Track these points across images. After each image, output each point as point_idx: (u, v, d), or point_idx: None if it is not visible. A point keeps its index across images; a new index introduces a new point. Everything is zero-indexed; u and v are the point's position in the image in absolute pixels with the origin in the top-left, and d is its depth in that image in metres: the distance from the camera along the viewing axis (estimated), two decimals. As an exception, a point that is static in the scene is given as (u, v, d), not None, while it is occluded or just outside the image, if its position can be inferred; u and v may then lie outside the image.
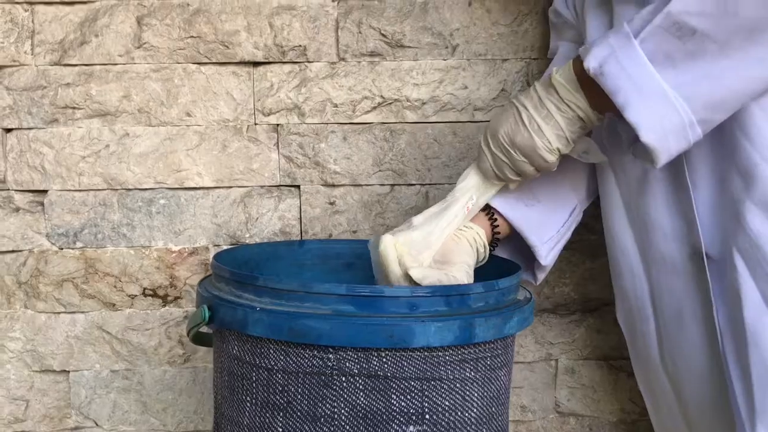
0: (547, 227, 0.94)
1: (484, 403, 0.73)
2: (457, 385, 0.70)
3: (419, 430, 0.69)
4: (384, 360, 0.67)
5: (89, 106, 1.12)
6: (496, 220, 0.91)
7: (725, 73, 0.67)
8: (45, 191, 1.13)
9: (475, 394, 0.72)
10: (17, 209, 1.13)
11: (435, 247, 0.81)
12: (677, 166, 0.82)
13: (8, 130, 1.12)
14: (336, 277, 0.98)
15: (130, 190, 1.14)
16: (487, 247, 0.89)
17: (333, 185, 1.15)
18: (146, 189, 1.14)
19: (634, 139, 0.75)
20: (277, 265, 0.95)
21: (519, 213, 0.91)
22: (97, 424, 1.17)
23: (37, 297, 1.14)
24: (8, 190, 1.13)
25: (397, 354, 0.67)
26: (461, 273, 0.80)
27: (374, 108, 1.14)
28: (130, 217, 1.14)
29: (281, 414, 0.70)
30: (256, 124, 1.14)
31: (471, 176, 0.86)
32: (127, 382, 1.16)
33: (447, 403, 0.70)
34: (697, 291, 0.83)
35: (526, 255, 0.96)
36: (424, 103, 1.14)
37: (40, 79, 1.12)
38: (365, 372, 0.67)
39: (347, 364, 0.67)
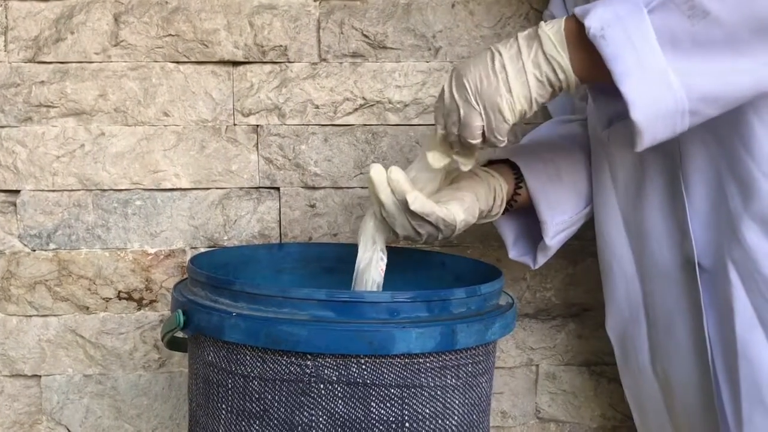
0: (562, 208, 0.92)
1: (465, 411, 0.72)
2: (438, 392, 0.69)
3: (399, 438, 0.67)
4: (363, 367, 0.66)
5: (64, 105, 1.09)
6: (521, 186, 0.89)
7: (727, 68, 0.64)
8: (17, 191, 1.10)
9: (456, 402, 0.71)
10: (-12, 209, 1.10)
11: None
12: (673, 174, 0.81)
13: (-20, 129, 1.09)
14: (316, 282, 0.97)
15: (105, 190, 1.11)
16: (503, 204, 0.87)
17: (313, 188, 1.13)
18: (122, 190, 1.11)
19: (612, 119, 0.70)
20: (255, 268, 0.93)
21: (540, 184, 0.89)
22: (69, 430, 1.14)
23: (8, 300, 1.11)
24: (-21, 189, 1.10)
25: (377, 361, 0.66)
26: (458, 208, 0.77)
27: (356, 110, 1.12)
28: (105, 218, 1.11)
29: (257, 422, 0.68)
30: (235, 124, 1.12)
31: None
32: (100, 387, 1.14)
33: (427, 410, 0.69)
34: (687, 300, 0.83)
35: (530, 235, 0.95)
36: (406, 105, 1.13)
37: (13, 76, 1.09)
38: (344, 379, 0.66)
39: (326, 371, 0.66)
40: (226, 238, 1.13)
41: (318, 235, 1.14)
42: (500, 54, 0.69)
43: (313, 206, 1.14)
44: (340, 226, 1.14)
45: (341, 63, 1.12)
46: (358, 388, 0.66)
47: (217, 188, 1.12)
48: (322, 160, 1.13)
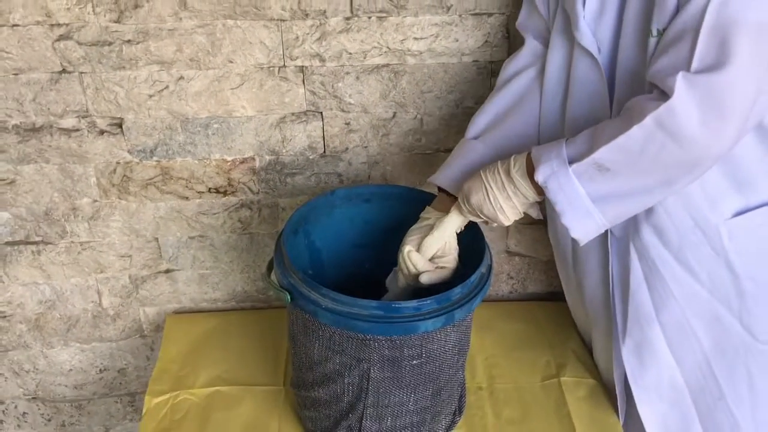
0: None
1: (458, 337, 1.22)
2: (441, 335, 1.18)
3: (419, 362, 1.18)
4: (401, 340, 1.14)
5: (149, 59, 1.38)
6: None
7: (628, 195, 1.02)
8: (122, 119, 1.44)
9: (452, 337, 1.21)
10: (102, 132, 1.45)
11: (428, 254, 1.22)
12: None
13: (82, 74, 1.39)
14: (357, 209, 1.39)
15: (189, 119, 1.45)
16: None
17: (348, 111, 1.47)
18: (202, 118, 1.45)
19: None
20: (318, 211, 1.35)
21: None
22: (183, 269, 1.65)
23: (128, 194, 1.53)
24: (91, 116, 1.44)
25: (407, 336, 1.14)
26: (452, 263, 1.22)
27: (380, 55, 1.41)
28: (192, 138, 1.47)
29: (338, 356, 1.18)
30: (285, 66, 1.41)
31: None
32: (201, 244, 1.61)
33: (435, 347, 1.18)
34: (601, 252, 1.27)
35: None
36: (422, 53, 1.41)
37: (104, 35, 1.35)
38: (387, 345, 1.14)
39: (377, 343, 1.14)
40: (284, 150, 1.50)
41: (353, 145, 1.51)
42: (490, 186, 1.09)
43: (348, 124, 1.49)
44: (369, 140, 1.50)
45: (369, 18, 1.37)
46: (395, 341, 1.15)
47: (275, 114, 1.46)
48: (354, 93, 1.45)
